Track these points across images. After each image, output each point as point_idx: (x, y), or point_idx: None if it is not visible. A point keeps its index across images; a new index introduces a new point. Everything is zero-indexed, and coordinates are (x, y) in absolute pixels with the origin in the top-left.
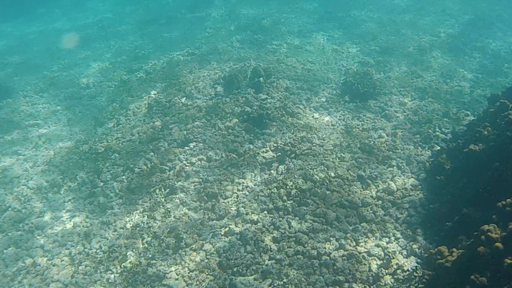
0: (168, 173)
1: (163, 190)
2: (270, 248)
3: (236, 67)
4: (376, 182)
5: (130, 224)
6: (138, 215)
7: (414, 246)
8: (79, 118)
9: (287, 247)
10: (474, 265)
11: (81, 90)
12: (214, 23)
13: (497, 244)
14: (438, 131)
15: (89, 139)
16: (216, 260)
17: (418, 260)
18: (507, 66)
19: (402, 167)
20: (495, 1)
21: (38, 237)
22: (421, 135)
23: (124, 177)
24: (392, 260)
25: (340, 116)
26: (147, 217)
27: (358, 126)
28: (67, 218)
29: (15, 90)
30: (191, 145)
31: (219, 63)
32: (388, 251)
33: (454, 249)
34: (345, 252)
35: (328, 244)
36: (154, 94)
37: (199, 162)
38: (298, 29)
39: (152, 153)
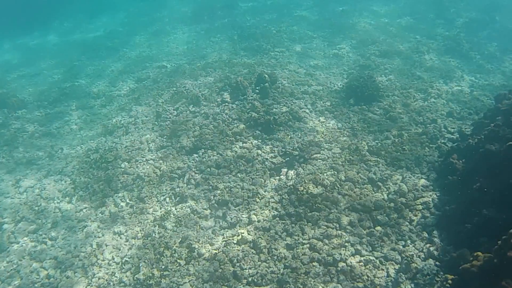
0: (177, 181)
1: (173, 198)
2: (285, 256)
3: (242, 73)
4: (387, 184)
5: (141, 233)
6: (149, 224)
7: (432, 248)
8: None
9: (302, 254)
10: (503, 270)
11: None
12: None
13: None
14: (444, 131)
15: (99, 148)
16: (230, 270)
17: (437, 263)
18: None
19: (412, 168)
20: None
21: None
22: (427, 135)
23: (134, 185)
24: (411, 265)
25: (346, 119)
26: (158, 226)
27: (365, 129)
28: (79, 229)
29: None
30: (200, 152)
31: (223, 70)
32: (405, 255)
33: (479, 253)
34: (362, 258)
35: (343, 250)
36: (162, 102)
37: (209, 169)
38: (299, 36)
39: (161, 161)
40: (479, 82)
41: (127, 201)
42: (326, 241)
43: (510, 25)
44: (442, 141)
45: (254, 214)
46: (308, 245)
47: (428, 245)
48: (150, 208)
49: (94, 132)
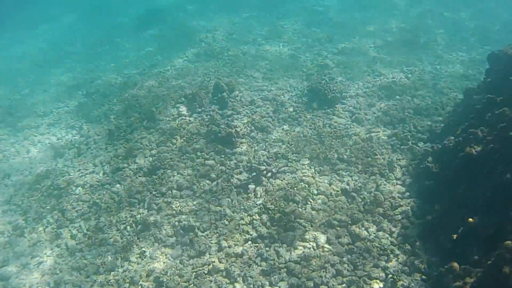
0: (137, 206)
1: (134, 226)
2: (261, 284)
3: (196, 83)
4: (362, 194)
5: (103, 268)
6: (111, 257)
7: (416, 261)
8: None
9: (280, 280)
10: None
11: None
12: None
13: None
14: (414, 130)
15: (50, 173)
16: None
17: (423, 277)
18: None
19: (385, 173)
20: None
21: None
22: (397, 137)
23: (91, 214)
24: (398, 282)
25: (311, 126)
26: (121, 259)
27: (331, 135)
28: (34, 265)
29: None
30: (159, 172)
31: (177, 79)
32: (389, 271)
33: (470, 268)
34: (344, 279)
35: (323, 272)
36: (114, 119)
37: (170, 192)
38: (252, 38)
39: (118, 185)
40: (440, 73)
41: (85, 231)
42: (305, 263)
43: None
44: (413, 141)
45: (224, 239)
46: (285, 270)
47: (412, 257)
48: (110, 238)
49: (43, 154)
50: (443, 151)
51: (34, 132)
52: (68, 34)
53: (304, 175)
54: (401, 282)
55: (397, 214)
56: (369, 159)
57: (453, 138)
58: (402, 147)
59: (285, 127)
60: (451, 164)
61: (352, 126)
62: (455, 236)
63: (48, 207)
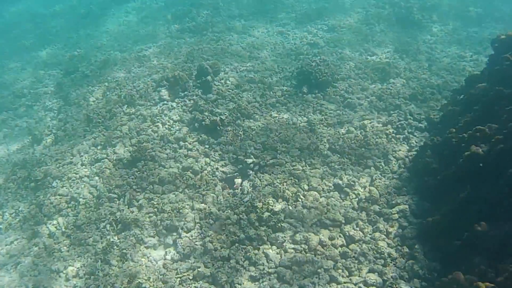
0: (117, 202)
1: (114, 225)
2: None
3: (179, 62)
4: (355, 189)
5: (83, 271)
6: (90, 258)
7: (416, 266)
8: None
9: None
10: None
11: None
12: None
13: None
14: (410, 118)
15: (26, 162)
16: None
17: (423, 284)
18: None
19: (381, 167)
20: None
21: None
22: (393, 125)
23: (69, 210)
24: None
25: (300, 112)
26: (101, 262)
27: (322, 122)
28: (12, 266)
29: None
30: (139, 165)
31: (159, 58)
32: (387, 277)
33: (480, 284)
34: (339, 286)
35: (316, 278)
36: (93, 102)
37: (151, 187)
38: (239, 12)
39: (97, 178)
40: (435, 55)
41: (63, 229)
42: (296, 269)
43: None
44: (409, 130)
45: (209, 240)
46: (275, 275)
47: (411, 261)
48: (89, 238)
49: (20, 141)
50: (444, 145)
51: (12, 115)
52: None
53: (294, 169)
54: None
55: (394, 213)
56: (363, 149)
57: (454, 131)
58: (397, 136)
59: (273, 113)
60: (453, 162)
61: (344, 113)
62: (458, 242)
63: (25, 201)
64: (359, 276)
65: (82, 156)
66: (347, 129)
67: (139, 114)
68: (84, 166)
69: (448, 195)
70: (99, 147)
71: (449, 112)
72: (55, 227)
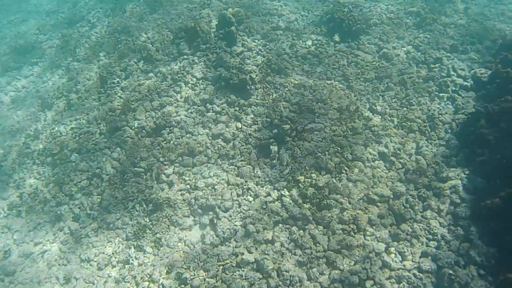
0: (144, 177)
1: (144, 205)
2: (299, 279)
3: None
4: (401, 158)
5: (115, 258)
6: (122, 244)
7: (472, 252)
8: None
9: (319, 274)
10: None
11: None
12: None
13: None
14: (453, 75)
15: (38, 132)
16: None
17: (481, 271)
18: None
19: (426, 131)
20: None
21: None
22: (435, 81)
23: (92, 188)
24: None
25: (334, 64)
26: (134, 248)
27: (359, 77)
28: (38, 255)
29: None
30: (165, 132)
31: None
32: (441, 263)
33: None
34: (392, 273)
35: (368, 263)
36: (104, 56)
37: (180, 159)
38: None
39: (118, 149)
40: None
41: (88, 211)
42: (346, 253)
43: None
44: (454, 88)
45: (250, 222)
46: (324, 260)
47: (465, 244)
48: (118, 220)
49: (28, 109)
50: (502, 115)
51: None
52: None
53: (334, 134)
54: (457, 280)
55: (446, 189)
56: (406, 111)
57: None
58: (441, 94)
59: (305, 67)
60: None
61: (382, 66)
62: None
63: (42, 179)
64: (412, 261)
65: (99, 124)
66: (386, 85)
67: (157, 72)
68: (103, 136)
69: (508, 173)
70: (116, 113)
71: (498, 73)
72: (79, 208)
